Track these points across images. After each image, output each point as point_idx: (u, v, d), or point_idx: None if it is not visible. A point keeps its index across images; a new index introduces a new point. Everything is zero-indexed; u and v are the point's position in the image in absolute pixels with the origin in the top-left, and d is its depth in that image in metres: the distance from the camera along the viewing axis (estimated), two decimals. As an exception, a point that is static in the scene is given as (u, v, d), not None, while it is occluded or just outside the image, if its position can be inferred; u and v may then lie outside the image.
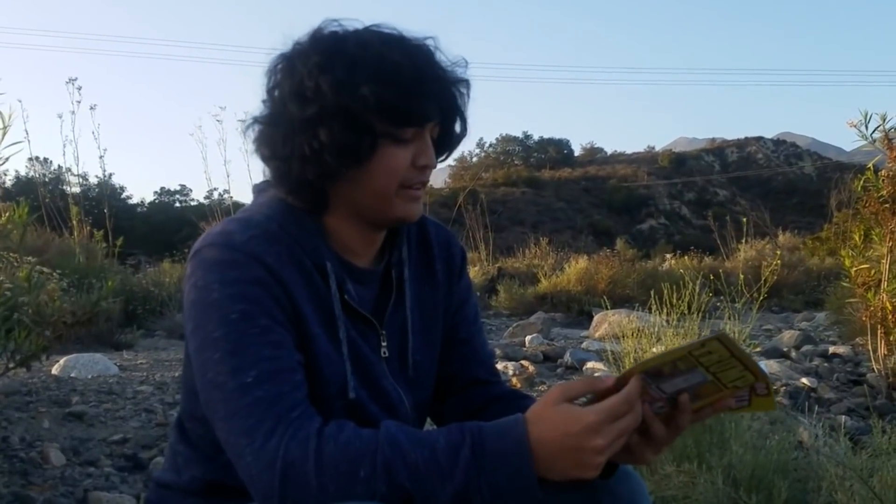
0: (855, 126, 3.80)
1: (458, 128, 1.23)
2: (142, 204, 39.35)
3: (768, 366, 4.54)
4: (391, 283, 1.27)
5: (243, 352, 1.05)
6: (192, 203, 36.64)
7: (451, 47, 1.18)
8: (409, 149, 1.15)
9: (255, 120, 1.19)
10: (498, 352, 4.92)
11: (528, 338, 5.66)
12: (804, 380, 4.21)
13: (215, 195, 12.07)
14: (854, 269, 3.97)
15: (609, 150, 78.76)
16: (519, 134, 69.12)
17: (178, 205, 40.27)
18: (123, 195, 34.84)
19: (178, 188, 43.11)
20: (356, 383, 1.18)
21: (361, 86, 1.09)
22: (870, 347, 4.02)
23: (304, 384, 1.09)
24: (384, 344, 1.25)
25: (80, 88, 8.57)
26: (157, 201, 41.68)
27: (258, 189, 1.27)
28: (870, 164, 3.92)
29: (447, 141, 1.23)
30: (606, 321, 6.33)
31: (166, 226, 29.67)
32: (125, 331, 6.48)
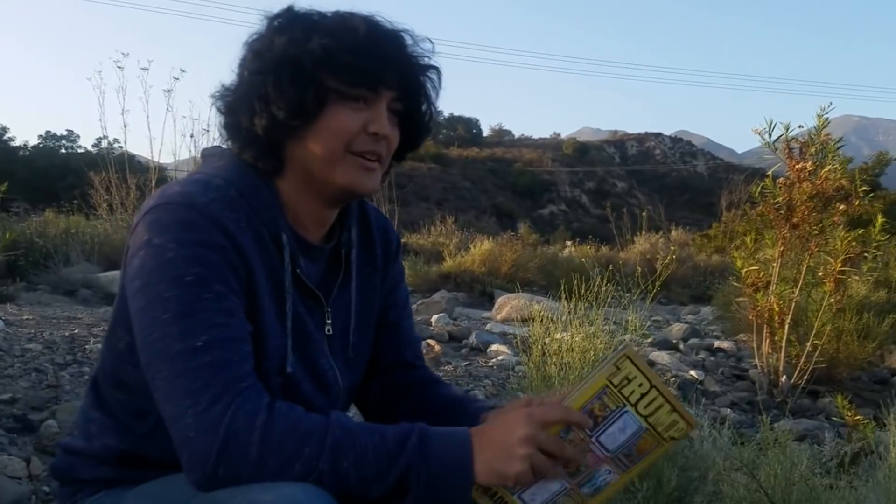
0: (759, 133, 3.98)
1: (424, 112, 1.23)
2: (24, 147, 36.88)
3: (659, 357, 4.75)
4: (338, 262, 1.28)
5: (195, 315, 1.02)
6: (79, 150, 34.67)
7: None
8: (362, 113, 1.15)
9: (223, 86, 1.19)
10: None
11: (434, 317, 5.69)
12: (692, 372, 4.43)
13: (104, 144, 11.46)
14: (745, 269, 4.18)
15: (517, 132, 79.96)
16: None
17: (63, 151, 37.96)
18: (5, 136, 32.59)
19: (65, 133, 40.69)
20: (295, 359, 1.18)
21: (313, 40, 1.11)
22: (754, 345, 4.26)
23: (251, 356, 1.08)
24: (329, 321, 1.26)
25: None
26: (41, 145, 39.14)
27: (209, 153, 1.24)
28: (769, 172, 4.12)
29: (412, 125, 1.23)
30: (509, 304, 6.46)
31: (49, 172, 27.98)
32: (6, 282, 6.09)
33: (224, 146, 1.22)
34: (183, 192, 1.09)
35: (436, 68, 1.21)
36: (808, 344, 3.95)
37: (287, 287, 1.16)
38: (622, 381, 1.11)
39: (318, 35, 1.11)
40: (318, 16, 1.15)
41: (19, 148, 35.78)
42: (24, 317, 4.37)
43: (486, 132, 73.20)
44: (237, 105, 1.15)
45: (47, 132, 41.17)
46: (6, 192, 7.64)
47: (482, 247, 9.57)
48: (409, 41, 1.17)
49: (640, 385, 1.11)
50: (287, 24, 1.14)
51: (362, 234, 1.33)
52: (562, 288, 3.55)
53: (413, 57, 1.18)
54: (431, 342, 4.52)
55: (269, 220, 1.15)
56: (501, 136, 76.00)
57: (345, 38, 1.11)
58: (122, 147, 10.54)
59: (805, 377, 3.94)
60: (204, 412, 0.98)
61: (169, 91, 8.79)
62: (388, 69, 1.13)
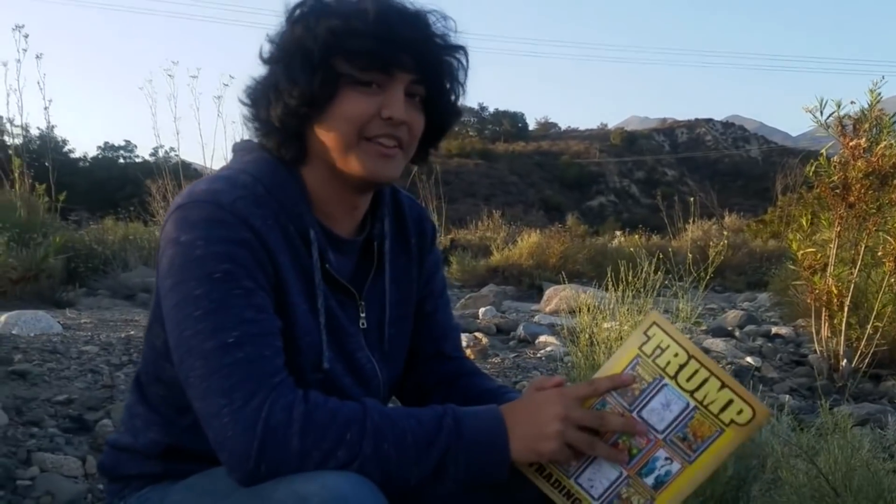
0: (810, 111, 3.84)
1: (449, 95, 1.19)
2: (84, 158, 38.02)
3: (714, 344, 4.64)
4: (371, 254, 1.27)
5: (226, 311, 1.02)
6: (137, 160, 35.66)
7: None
8: (375, 98, 1.12)
9: (252, 78, 1.19)
10: (451, 322, 4.91)
11: (481, 310, 5.67)
12: (749, 359, 4.32)
13: (161, 153, 11.76)
14: (801, 252, 4.05)
15: (563, 125, 79.42)
16: (474, 105, 69.09)
17: (121, 161, 39.07)
18: (65, 149, 33.62)
19: (123, 143, 41.85)
20: (331, 354, 1.17)
21: (321, 24, 1.09)
22: (813, 329, 4.12)
23: (282, 351, 1.07)
24: (363, 315, 1.25)
25: (26, 36, 8.16)
26: (100, 156, 40.35)
27: (239, 148, 1.24)
28: (822, 151, 3.98)
29: (437, 109, 1.20)
30: (557, 296, 6.39)
31: (109, 182, 28.86)
32: (66, 288, 6.28)
33: (255, 139, 1.22)
34: (209, 189, 1.09)
35: (460, 47, 1.16)
36: (869, 326, 3.80)
37: (317, 283, 1.15)
38: (654, 350, 1.07)
39: (326, 19, 1.09)
40: (336, 1, 1.12)
41: (79, 159, 36.89)
42: (83, 320, 4.50)
43: (531, 126, 72.90)
44: (257, 95, 1.16)
45: (106, 143, 42.43)
46: (66, 202, 7.90)
47: (529, 240, 9.52)
48: (429, 21, 1.13)
49: (676, 355, 1.07)
50: (304, 11, 1.13)
51: (395, 224, 1.32)
52: (608, 276, 3.49)
53: (432, 37, 1.13)
54: (479, 335, 4.50)
55: (297, 216, 1.14)
56: (547, 129, 75.50)
57: (353, 21, 1.08)
58: (177, 155, 10.77)
59: (866, 360, 3.80)
60: (240, 409, 0.98)
61: (219, 97, 8.94)
62: (400, 51, 1.10)
